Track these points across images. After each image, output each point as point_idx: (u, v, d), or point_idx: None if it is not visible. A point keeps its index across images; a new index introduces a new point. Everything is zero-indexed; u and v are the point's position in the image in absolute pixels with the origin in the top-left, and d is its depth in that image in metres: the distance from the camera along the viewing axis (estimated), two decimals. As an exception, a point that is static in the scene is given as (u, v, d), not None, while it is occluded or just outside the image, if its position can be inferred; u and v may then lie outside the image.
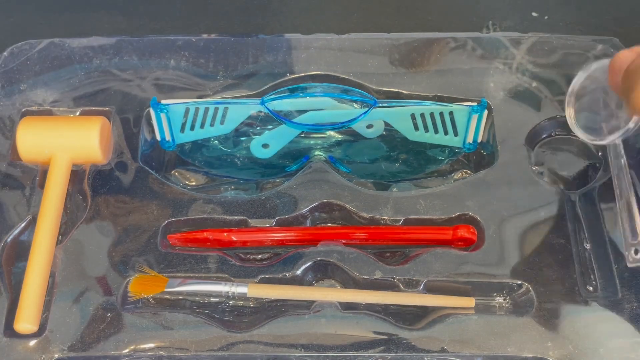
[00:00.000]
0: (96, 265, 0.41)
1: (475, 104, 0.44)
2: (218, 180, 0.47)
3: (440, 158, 0.47)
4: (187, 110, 0.44)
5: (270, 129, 0.46)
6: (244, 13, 0.57)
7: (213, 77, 0.48)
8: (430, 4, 0.57)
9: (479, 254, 0.41)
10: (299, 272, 0.40)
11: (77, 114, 0.47)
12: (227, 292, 0.39)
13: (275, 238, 0.42)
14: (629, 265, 0.39)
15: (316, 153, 0.45)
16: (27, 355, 0.38)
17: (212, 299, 0.41)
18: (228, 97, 0.47)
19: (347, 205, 0.43)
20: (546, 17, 0.54)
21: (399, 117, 0.44)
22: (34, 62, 0.49)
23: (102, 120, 0.44)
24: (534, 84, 0.48)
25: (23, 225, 0.42)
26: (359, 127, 0.46)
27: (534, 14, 0.54)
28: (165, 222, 0.42)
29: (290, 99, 0.44)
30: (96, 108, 0.47)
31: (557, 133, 0.47)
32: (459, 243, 0.41)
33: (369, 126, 0.46)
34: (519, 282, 0.40)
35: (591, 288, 0.40)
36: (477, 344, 0.38)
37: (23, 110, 0.47)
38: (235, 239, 0.42)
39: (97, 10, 0.57)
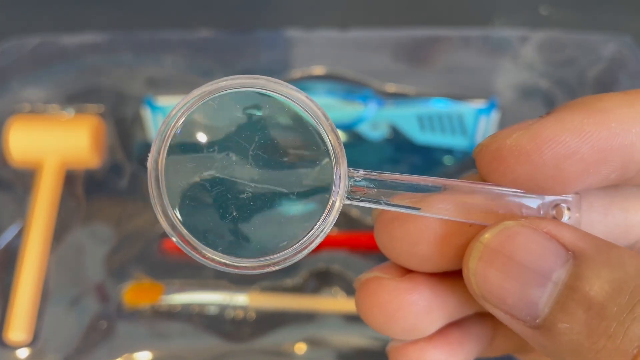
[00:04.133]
0: (90, 272, 0.40)
1: (484, 103, 0.42)
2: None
3: (448, 164, 0.45)
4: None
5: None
6: (242, 4, 0.55)
7: (210, 75, 0.47)
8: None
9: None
10: (301, 279, 0.39)
11: (69, 112, 0.45)
12: (227, 302, 0.38)
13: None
14: None
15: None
16: (19, 366, 0.37)
17: (211, 308, 0.39)
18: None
19: (351, 210, 0.42)
20: (555, 13, 0.53)
21: (405, 118, 0.43)
22: (24, 59, 0.47)
23: (95, 121, 0.43)
24: (544, 83, 0.46)
25: (17, 231, 0.41)
26: (363, 128, 0.45)
27: (542, 11, 0.52)
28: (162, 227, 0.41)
29: (292, 99, 0.43)
30: (90, 104, 0.45)
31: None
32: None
33: (374, 127, 0.45)
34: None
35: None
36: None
37: (13, 110, 0.45)
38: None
39: (90, 3, 0.56)
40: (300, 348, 0.37)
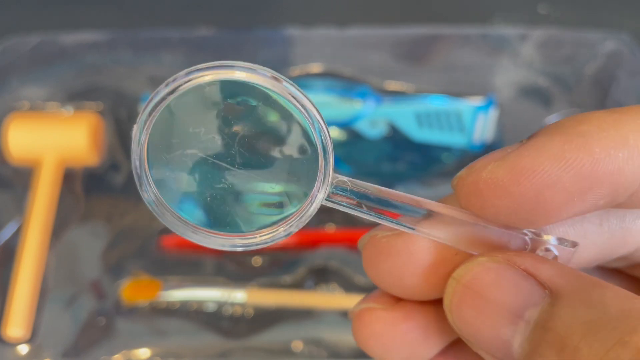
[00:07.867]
0: (89, 269, 0.40)
1: (482, 100, 0.42)
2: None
3: (446, 162, 0.45)
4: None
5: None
6: (241, 3, 0.55)
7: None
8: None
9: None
10: (299, 276, 0.39)
11: (69, 110, 0.45)
12: (225, 298, 0.38)
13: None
14: None
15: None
16: (17, 363, 0.37)
17: (209, 304, 0.39)
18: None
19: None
20: (554, 11, 0.53)
21: (403, 115, 0.43)
22: (24, 58, 0.47)
23: (94, 118, 0.43)
24: (542, 80, 0.46)
25: (15, 228, 0.41)
26: (361, 126, 0.45)
27: (541, 9, 0.52)
28: (160, 224, 0.41)
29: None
30: (89, 102, 0.45)
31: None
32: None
33: (372, 125, 0.45)
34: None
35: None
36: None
37: (12, 108, 0.45)
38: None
39: (90, 2, 0.56)
40: (298, 345, 0.37)
